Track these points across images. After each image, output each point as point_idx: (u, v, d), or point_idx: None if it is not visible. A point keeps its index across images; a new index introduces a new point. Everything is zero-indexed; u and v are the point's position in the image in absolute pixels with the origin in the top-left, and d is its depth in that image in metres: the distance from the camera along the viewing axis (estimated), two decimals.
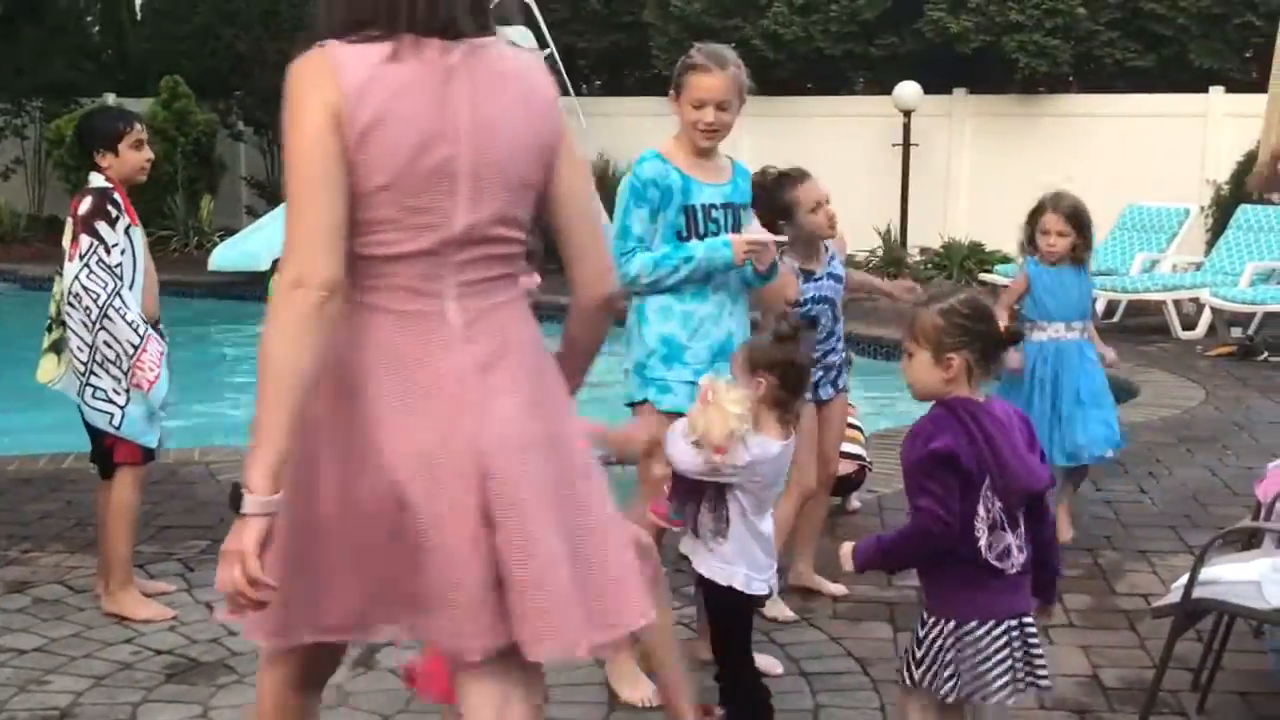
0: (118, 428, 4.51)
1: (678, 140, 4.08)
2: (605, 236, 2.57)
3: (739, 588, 3.61)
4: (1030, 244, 5.25)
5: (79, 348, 4.45)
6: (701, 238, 4.00)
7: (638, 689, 4.04)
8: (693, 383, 3.96)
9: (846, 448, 5.69)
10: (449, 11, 2.27)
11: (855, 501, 5.96)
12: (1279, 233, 10.78)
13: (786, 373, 3.61)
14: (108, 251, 4.40)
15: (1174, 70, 13.34)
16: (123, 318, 4.41)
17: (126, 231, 4.49)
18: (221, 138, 16.87)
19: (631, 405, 4.07)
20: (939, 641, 3.07)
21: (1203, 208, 12.20)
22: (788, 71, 14.78)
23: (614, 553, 2.39)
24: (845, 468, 5.68)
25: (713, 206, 4.03)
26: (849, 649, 4.43)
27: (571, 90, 14.45)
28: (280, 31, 15.73)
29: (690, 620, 4.53)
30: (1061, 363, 5.31)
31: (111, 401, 4.48)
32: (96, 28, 19.40)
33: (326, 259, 2.19)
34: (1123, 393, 8.51)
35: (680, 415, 3.92)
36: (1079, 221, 5.08)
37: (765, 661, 4.10)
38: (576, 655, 2.33)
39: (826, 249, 4.65)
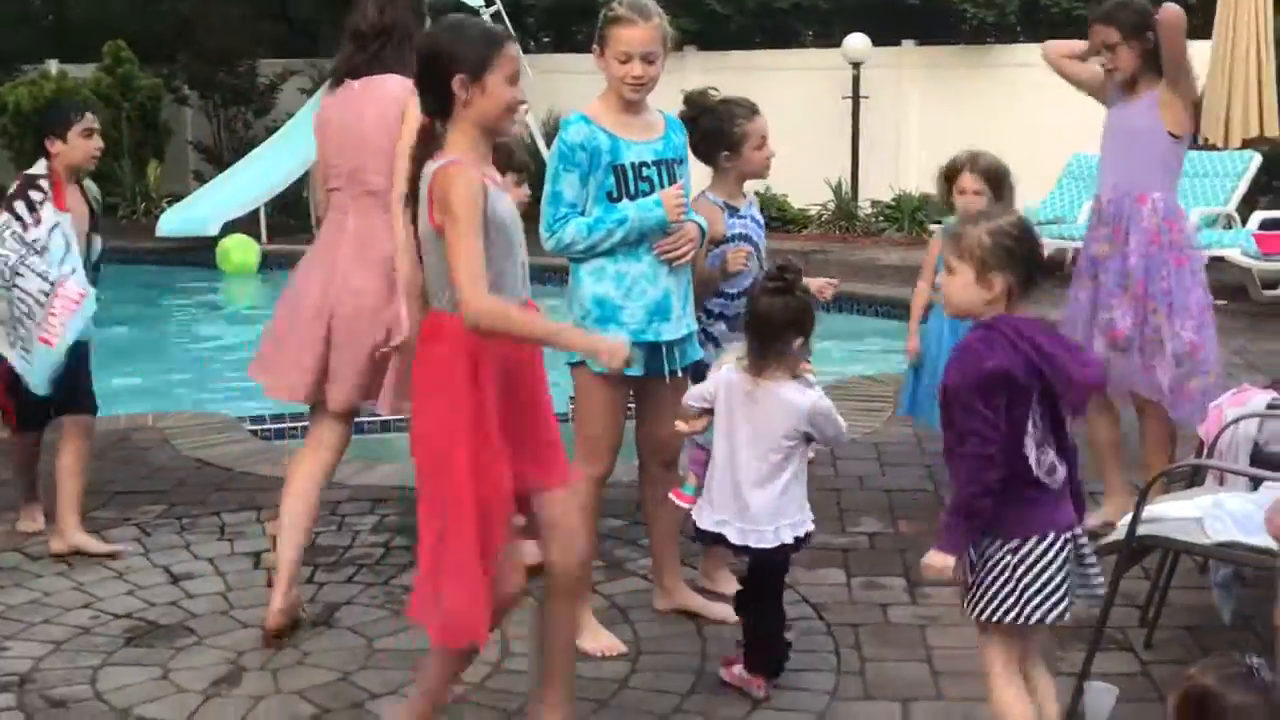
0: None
1: (604, 99, 4.02)
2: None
3: (731, 538, 3.76)
4: (947, 204, 5.21)
5: None
6: (633, 197, 3.96)
7: (598, 640, 4.09)
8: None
9: None
10: (350, 68, 4.32)
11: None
12: (1221, 177, 10.89)
13: (803, 326, 3.80)
14: (25, 229, 4.61)
15: None
16: (32, 270, 4.58)
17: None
18: (166, 102, 16.65)
19: (570, 365, 4.04)
20: (998, 565, 3.02)
21: None
22: (737, 25, 14.77)
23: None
24: None
25: (643, 164, 3.98)
26: (804, 595, 4.49)
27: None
28: None
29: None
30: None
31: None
32: None
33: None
34: None
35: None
36: (996, 179, 5.04)
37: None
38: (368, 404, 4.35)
39: (744, 193, 4.62)
